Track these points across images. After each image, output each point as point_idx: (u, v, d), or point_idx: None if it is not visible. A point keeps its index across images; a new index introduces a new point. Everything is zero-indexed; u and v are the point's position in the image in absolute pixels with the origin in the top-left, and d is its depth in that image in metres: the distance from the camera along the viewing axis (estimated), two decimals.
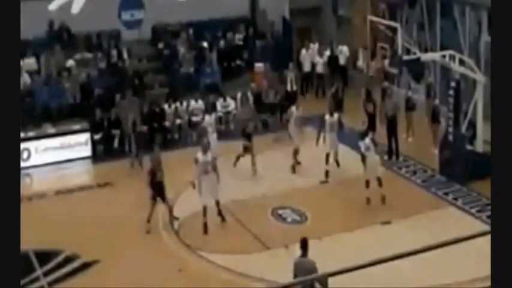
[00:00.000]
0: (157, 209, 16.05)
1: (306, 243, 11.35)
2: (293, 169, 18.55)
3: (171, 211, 16.02)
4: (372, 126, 18.63)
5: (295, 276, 10.89)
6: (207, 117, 19.26)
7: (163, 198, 15.85)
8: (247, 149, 18.47)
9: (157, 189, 15.74)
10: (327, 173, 18.03)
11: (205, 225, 15.54)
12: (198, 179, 15.62)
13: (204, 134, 18.54)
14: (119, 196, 17.67)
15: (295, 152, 18.64)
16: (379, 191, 16.42)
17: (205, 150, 15.78)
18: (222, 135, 20.27)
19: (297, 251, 14.51)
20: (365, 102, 20.36)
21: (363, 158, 16.66)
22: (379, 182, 16.46)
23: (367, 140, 16.62)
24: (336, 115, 18.31)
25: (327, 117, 18.13)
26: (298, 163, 18.73)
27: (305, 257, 11.28)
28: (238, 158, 18.60)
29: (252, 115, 20.00)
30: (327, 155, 18.07)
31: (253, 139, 18.62)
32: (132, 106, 20.35)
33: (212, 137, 18.66)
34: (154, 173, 15.80)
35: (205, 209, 15.55)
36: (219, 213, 15.84)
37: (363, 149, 16.57)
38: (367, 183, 16.44)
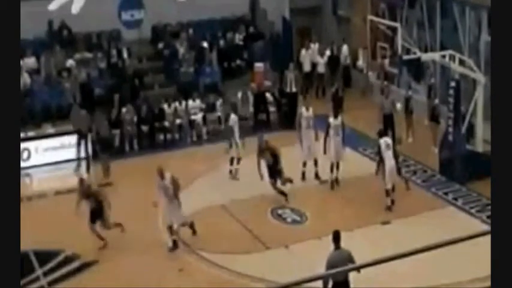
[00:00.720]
0: (157, 209, 16.04)
1: (338, 235, 11.42)
2: (304, 165, 17.93)
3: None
4: (391, 127, 18.44)
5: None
6: (232, 116, 18.66)
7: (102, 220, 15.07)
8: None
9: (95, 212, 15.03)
10: (333, 182, 17.65)
11: (174, 242, 14.96)
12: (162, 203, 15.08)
13: (230, 133, 18.33)
14: (119, 196, 17.64)
15: (305, 164, 17.96)
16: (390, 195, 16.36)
17: (162, 176, 14.86)
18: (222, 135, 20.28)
19: (297, 251, 14.57)
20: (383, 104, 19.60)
21: (381, 159, 16.30)
22: (393, 188, 16.34)
23: (388, 138, 16.47)
24: (340, 118, 17.76)
25: (331, 120, 17.65)
26: (320, 179, 17.95)
27: (339, 249, 11.36)
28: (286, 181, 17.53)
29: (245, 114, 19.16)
30: (332, 165, 17.56)
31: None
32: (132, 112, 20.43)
33: (237, 135, 18.34)
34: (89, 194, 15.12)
35: (170, 228, 14.96)
36: (192, 229, 15.28)
37: (383, 146, 16.25)
38: (387, 192, 16.23)
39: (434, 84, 21.11)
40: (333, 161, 17.59)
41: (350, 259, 10.98)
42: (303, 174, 18.07)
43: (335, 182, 17.71)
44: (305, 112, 18.25)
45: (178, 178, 15.18)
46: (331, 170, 17.61)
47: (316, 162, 17.95)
